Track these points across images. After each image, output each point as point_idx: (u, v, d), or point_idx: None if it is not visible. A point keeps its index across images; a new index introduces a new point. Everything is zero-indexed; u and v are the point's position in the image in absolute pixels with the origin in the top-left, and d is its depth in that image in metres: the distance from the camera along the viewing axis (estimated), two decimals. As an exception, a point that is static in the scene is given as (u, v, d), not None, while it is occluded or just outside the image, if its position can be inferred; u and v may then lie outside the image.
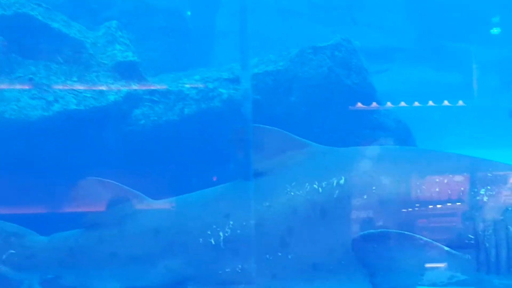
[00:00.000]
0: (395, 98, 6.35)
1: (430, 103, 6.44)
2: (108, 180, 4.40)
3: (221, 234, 3.99)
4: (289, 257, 3.90)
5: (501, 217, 3.67)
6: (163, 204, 4.39)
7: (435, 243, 3.63)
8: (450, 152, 4.22)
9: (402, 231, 3.67)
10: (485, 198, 3.76)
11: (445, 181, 3.86)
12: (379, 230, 3.74)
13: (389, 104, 6.22)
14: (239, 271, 3.96)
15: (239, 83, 5.43)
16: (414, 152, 4.57)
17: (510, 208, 3.73)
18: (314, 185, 3.96)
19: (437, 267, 3.79)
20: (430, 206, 3.79)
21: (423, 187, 3.82)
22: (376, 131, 6.08)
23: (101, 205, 4.36)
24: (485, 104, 6.97)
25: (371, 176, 3.93)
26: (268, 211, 3.99)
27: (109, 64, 5.46)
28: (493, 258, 3.70)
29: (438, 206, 3.79)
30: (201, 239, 3.98)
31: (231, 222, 3.98)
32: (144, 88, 5.48)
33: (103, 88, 5.33)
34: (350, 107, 5.96)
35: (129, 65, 5.55)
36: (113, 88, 5.37)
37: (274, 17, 7.45)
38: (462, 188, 3.84)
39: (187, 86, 5.61)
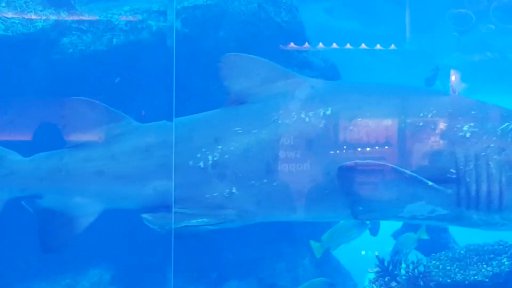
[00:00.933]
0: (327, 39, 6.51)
1: (363, 45, 6.61)
2: (95, 101, 4.40)
3: (210, 157, 4.03)
4: (274, 184, 3.96)
5: (483, 153, 3.74)
6: (152, 126, 4.41)
7: (419, 177, 3.71)
8: (437, 90, 4.34)
9: (387, 164, 3.75)
10: (467, 134, 3.82)
11: (429, 116, 3.92)
12: (364, 160, 3.81)
13: (321, 45, 6.41)
14: (226, 195, 4.01)
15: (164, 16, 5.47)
16: (399, 88, 4.61)
17: (492, 145, 3.80)
18: (301, 115, 4.02)
19: (418, 200, 3.85)
20: (414, 140, 3.86)
21: (408, 121, 3.89)
22: (304, 70, 6.13)
23: (88, 125, 4.36)
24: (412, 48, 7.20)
25: (358, 108, 3.98)
26: (253, 136, 4.04)
27: None
28: (473, 193, 3.77)
29: (422, 140, 3.86)
30: (191, 162, 4.02)
31: (220, 147, 4.02)
32: (73, 17, 5.46)
33: (32, 15, 5.31)
34: (280, 45, 6.05)
35: None
36: (42, 16, 5.35)
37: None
38: (445, 124, 3.89)
39: (116, 16, 5.57)
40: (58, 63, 5.32)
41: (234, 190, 4.01)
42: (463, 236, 6.18)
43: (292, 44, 6.09)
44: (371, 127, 3.90)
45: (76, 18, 5.47)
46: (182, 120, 4.39)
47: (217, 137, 4.02)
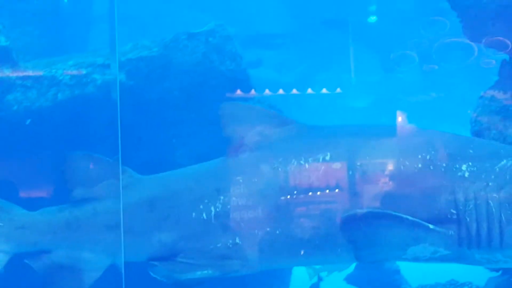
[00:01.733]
0: (273, 85, 6.70)
1: (309, 90, 6.84)
2: (97, 155, 4.48)
3: (212, 209, 4.14)
4: (277, 232, 4.06)
5: (482, 193, 3.84)
6: (155, 178, 4.52)
7: (421, 222, 3.79)
8: (432, 130, 4.48)
9: (388, 211, 3.83)
10: (466, 174, 3.93)
11: (428, 157, 4.02)
12: (365, 210, 3.91)
13: (267, 91, 6.58)
14: (230, 246, 4.11)
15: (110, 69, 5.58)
16: (394, 129, 4.72)
17: (490, 184, 3.89)
18: (300, 161, 4.14)
19: (421, 243, 3.93)
20: (413, 182, 3.95)
21: (406, 163, 3.99)
22: None
23: (93, 179, 4.46)
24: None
25: (356, 152, 4.11)
26: (256, 186, 4.15)
27: None
28: (474, 233, 3.86)
29: (421, 181, 3.95)
30: (194, 214, 4.13)
31: (222, 197, 4.12)
32: (16, 73, 5.54)
33: None
34: (227, 93, 6.17)
35: (1, 51, 5.59)
36: None
37: (150, 2, 7.75)
38: (444, 164, 4.00)
39: (61, 71, 5.66)
40: (2, 121, 5.38)
41: (237, 241, 4.12)
42: (415, 277, 6.43)
43: (238, 92, 6.23)
44: (370, 171, 4.02)
45: (20, 74, 5.54)
46: (185, 171, 4.55)
47: (219, 188, 4.13)
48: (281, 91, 6.60)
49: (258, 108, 4.71)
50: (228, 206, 4.14)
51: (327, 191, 4.07)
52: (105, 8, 7.41)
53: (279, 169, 4.20)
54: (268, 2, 8.69)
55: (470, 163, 3.96)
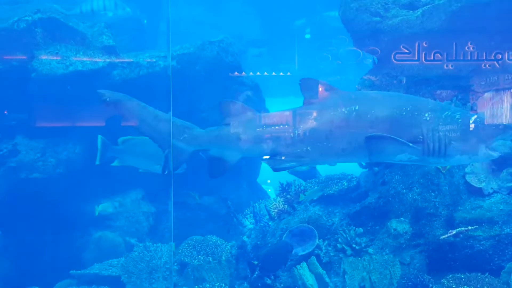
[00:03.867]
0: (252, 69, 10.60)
1: (265, 73, 10.79)
2: (238, 102, 6.42)
3: (296, 132, 5.86)
4: (329, 145, 5.78)
5: (435, 127, 5.64)
6: (267, 116, 6.31)
7: (405, 141, 5.55)
8: (408, 95, 6.62)
9: (388, 135, 5.57)
10: (428, 118, 5.68)
11: (408, 108, 5.74)
12: (377, 133, 5.63)
13: (251, 73, 10.42)
14: (305, 150, 5.83)
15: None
16: (392, 95, 6.55)
17: (440, 124, 5.61)
18: (343, 109, 5.82)
19: (404, 153, 5.73)
20: (401, 121, 5.73)
21: (398, 112, 5.71)
22: (241, 86, 9.98)
23: (234, 115, 6.39)
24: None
25: (371, 106, 5.76)
26: (319, 122, 5.85)
27: (99, 46, 9.13)
28: (431, 149, 5.60)
29: (405, 121, 5.71)
30: (286, 134, 5.90)
31: (301, 126, 5.85)
32: (118, 60, 9.06)
33: (97, 59, 8.96)
34: (229, 73, 9.79)
35: (110, 48, 9.12)
36: (102, 59, 9.02)
37: (191, 23, 11.79)
38: (416, 113, 5.71)
39: (141, 59, 9.13)
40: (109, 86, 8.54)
41: (308, 148, 5.84)
42: (323, 171, 9.56)
43: (235, 73, 9.79)
44: (380, 116, 5.69)
45: (120, 60, 9.05)
46: (279, 113, 6.24)
47: (300, 122, 5.90)
48: (258, 73, 10.58)
49: (318, 81, 6.11)
50: (304, 132, 5.81)
51: (357, 125, 5.73)
52: (164, 25, 11.37)
53: (332, 113, 5.82)
54: (252, 23, 12.78)
55: (429, 112, 5.68)
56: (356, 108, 5.78)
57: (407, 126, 5.63)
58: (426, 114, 5.66)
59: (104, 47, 9.13)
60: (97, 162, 8.36)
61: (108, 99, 6.03)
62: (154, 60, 9.21)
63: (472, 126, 5.66)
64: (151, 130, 6.07)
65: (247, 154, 6.22)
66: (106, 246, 9.11)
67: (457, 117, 5.63)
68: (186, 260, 8.24)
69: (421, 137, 5.59)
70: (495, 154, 5.65)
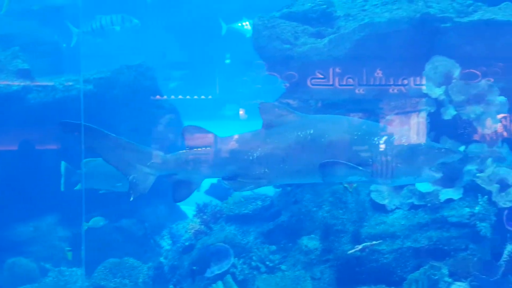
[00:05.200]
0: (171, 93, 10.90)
1: (180, 96, 11.19)
2: (200, 127, 6.22)
3: (255, 154, 6.01)
4: (286, 167, 5.99)
5: (383, 151, 5.83)
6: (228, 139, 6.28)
7: (354, 165, 5.75)
8: (365, 120, 6.65)
9: (340, 160, 5.77)
10: (376, 142, 5.88)
11: (360, 133, 5.96)
12: (330, 160, 5.81)
13: (172, 96, 10.77)
14: (263, 172, 6.02)
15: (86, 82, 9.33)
16: (346, 119, 6.70)
17: (387, 147, 5.85)
18: (298, 133, 6.02)
19: (354, 175, 5.91)
20: (352, 145, 5.92)
21: (350, 136, 5.94)
22: (159, 109, 10.15)
23: (198, 145, 6.19)
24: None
25: (325, 130, 5.99)
26: (276, 145, 6.03)
27: (13, 69, 9.20)
28: (379, 170, 5.82)
29: (355, 146, 5.91)
30: (245, 157, 6.04)
31: (259, 149, 6.01)
32: (34, 83, 9.15)
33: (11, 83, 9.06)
34: (147, 97, 10.08)
35: (24, 71, 9.26)
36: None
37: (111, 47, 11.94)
38: (367, 137, 5.92)
39: (57, 82, 9.22)
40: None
41: (266, 170, 6.03)
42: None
43: (151, 97, 10.09)
44: (334, 140, 5.91)
45: (35, 83, 9.11)
46: (245, 135, 6.32)
47: (258, 145, 6.05)
48: (172, 97, 10.86)
49: (278, 106, 6.43)
50: (262, 154, 5.99)
51: (312, 149, 5.92)
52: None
53: (288, 136, 6.04)
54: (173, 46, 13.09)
55: (378, 137, 5.89)
56: (311, 132, 6.02)
57: (358, 150, 5.90)
58: (376, 138, 5.92)
59: (18, 70, 9.13)
60: (62, 189, 8.44)
61: (70, 130, 6.08)
62: (70, 83, 9.33)
63: (417, 149, 5.94)
64: (115, 158, 6.14)
65: (211, 177, 6.48)
66: (20, 272, 8.99)
67: (403, 141, 5.93)
68: (102, 283, 8.28)
69: (370, 160, 5.83)
70: (437, 175, 5.95)
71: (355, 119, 7.04)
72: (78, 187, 8.47)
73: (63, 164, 8.50)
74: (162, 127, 10.04)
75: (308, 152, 5.94)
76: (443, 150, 6.00)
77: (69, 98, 9.21)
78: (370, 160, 5.80)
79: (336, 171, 5.85)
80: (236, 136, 6.43)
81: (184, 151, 6.23)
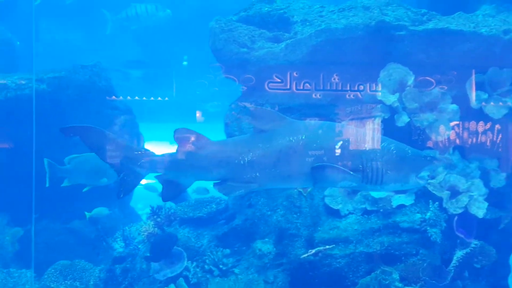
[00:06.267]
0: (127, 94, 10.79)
1: (136, 97, 11.10)
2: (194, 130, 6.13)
3: (246, 158, 5.97)
4: (277, 171, 5.97)
5: (373, 158, 5.91)
6: (219, 143, 6.30)
7: (346, 169, 5.82)
8: (356, 127, 6.59)
9: (332, 164, 5.83)
10: (367, 148, 6.02)
11: (351, 139, 6.03)
12: (321, 163, 5.86)
13: (128, 97, 10.64)
14: (254, 176, 5.97)
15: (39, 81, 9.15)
16: (337, 126, 6.54)
17: (377, 154, 5.91)
18: (290, 138, 6.02)
19: (346, 180, 5.93)
20: (345, 151, 5.96)
21: (340, 142, 5.98)
22: (114, 110, 10.00)
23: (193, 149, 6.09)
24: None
25: (317, 136, 6.03)
26: (267, 149, 5.99)
27: None
28: (369, 176, 5.87)
29: (348, 151, 5.95)
30: (236, 161, 5.99)
31: (251, 153, 5.97)
32: None
33: None
34: (102, 98, 9.94)
35: None
36: None
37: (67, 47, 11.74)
38: (357, 144, 6.01)
39: (10, 80, 9.06)
40: None
41: (257, 174, 5.99)
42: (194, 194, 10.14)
43: (107, 97, 9.94)
44: (325, 146, 5.93)
45: None
46: (232, 139, 6.76)
47: (249, 149, 5.99)
48: (128, 97, 10.76)
49: (270, 111, 6.49)
50: (253, 158, 5.95)
51: (303, 153, 5.92)
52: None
53: (279, 141, 6.00)
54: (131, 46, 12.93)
55: (368, 143, 6.07)
56: (303, 137, 6.06)
57: (349, 156, 5.99)
58: (366, 145, 6.09)
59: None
60: (47, 185, 8.42)
61: (74, 134, 6.03)
62: (23, 82, 9.12)
63: (404, 157, 6.04)
64: (109, 156, 6.16)
65: (200, 179, 6.42)
66: (-34, 274, 8.75)
67: (392, 148, 6.03)
68: (52, 285, 8.18)
69: (361, 166, 5.92)
70: (422, 182, 6.12)
71: (348, 126, 6.97)
72: (65, 183, 8.58)
73: (46, 161, 8.47)
74: (117, 128, 9.98)
75: (300, 157, 5.98)
76: (428, 158, 6.13)
77: (21, 97, 9.08)
78: (361, 166, 5.92)
79: (327, 175, 5.92)
80: (227, 140, 6.63)
81: (174, 152, 6.23)
